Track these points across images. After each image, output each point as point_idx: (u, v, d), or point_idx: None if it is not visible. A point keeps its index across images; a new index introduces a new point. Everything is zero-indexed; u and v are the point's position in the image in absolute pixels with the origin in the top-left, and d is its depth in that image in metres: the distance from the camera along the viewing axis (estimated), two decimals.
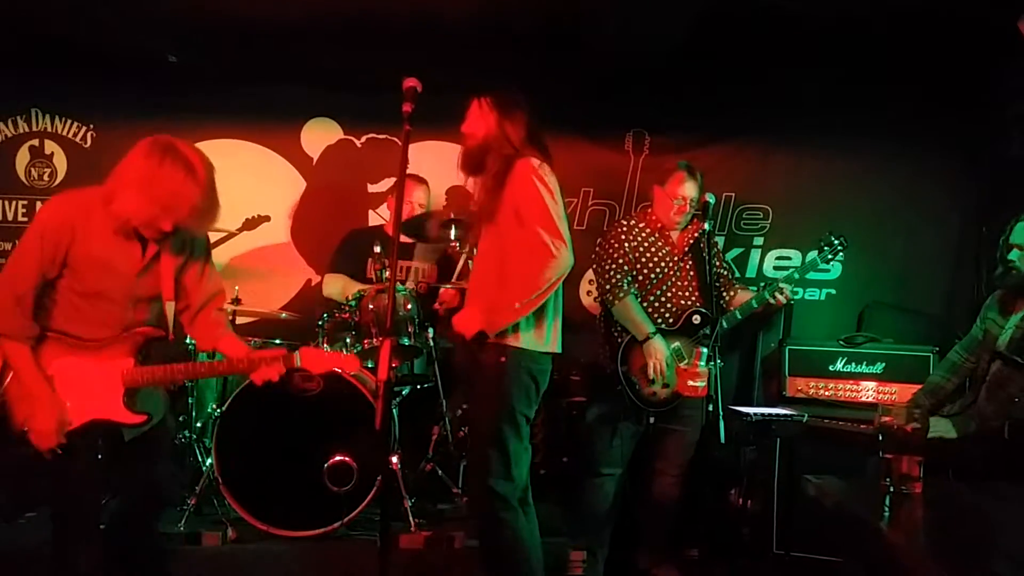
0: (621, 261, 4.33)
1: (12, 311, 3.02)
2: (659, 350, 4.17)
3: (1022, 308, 4.04)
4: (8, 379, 3.11)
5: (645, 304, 4.30)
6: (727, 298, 4.46)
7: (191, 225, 3.10)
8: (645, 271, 4.34)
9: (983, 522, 2.45)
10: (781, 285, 4.30)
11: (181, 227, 3.06)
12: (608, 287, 4.33)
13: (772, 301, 4.33)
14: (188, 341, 4.83)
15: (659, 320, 4.27)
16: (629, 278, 4.31)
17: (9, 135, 5.80)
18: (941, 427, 3.82)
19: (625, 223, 4.45)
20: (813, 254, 4.48)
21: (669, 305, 4.32)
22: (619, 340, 4.29)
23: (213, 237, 5.72)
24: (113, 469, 3.27)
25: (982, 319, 4.21)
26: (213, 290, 3.40)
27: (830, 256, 4.43)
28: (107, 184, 3.02)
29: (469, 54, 4.86)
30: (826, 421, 4.37)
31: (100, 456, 3.16)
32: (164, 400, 3.43)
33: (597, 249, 4.46)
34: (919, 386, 4.34)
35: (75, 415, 3.09)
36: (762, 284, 4.83)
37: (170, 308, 3.23)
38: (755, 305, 4.32)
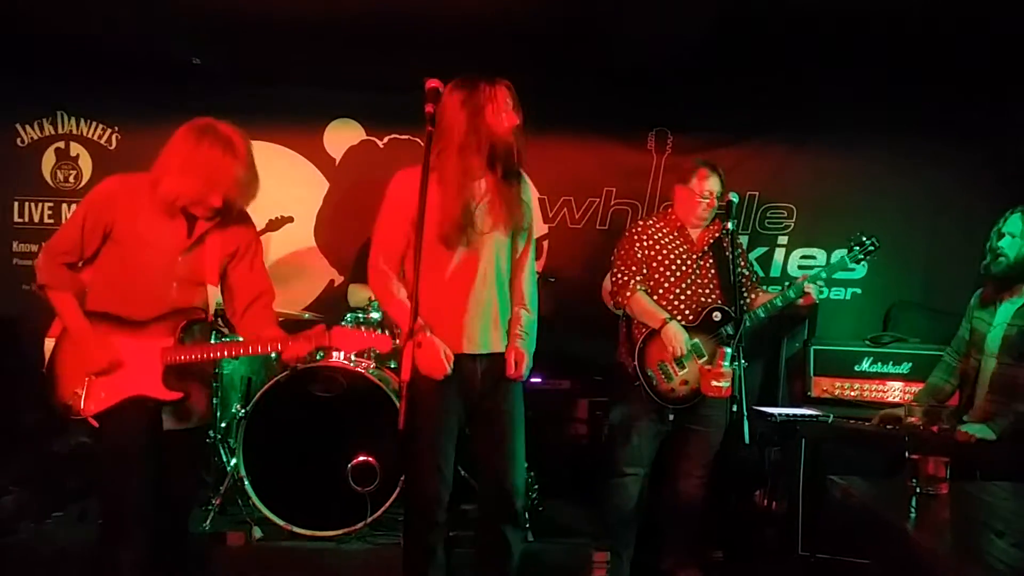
0: (629, 262, 4.31)
1: (53, 265, 3.22)
2: (677, 334, 4.14)
3: (1006, 299, 4.03)
4: (59, 353, 3.26)
5: (664, 303, 4.28)
6: (750, 299, 4.43)
7: (237, 198, 3.24)
8: (661, 268, 4.31)
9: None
10: (807, 284, 4.24)
11: (230, 202, 3.20)
12: (616, 288, 4.33)
13: (800, 300, 4.28)
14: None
15: (678, 317, 4.24)
16: (639, 277, 4.29)
17: (35, 137, 5.85)
18: (979, 430, 3.79)
19: (641, 223, 4.43)
20: (842, 253, 4.42)
21: (689, 302, 4.29)
22: (638, 336, 4.27)
23: None
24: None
25: (968, 318, 4.22)
26: (260, 288, 3.45)
27: (860, 256, 4.36)
28: (153, 170, 3.18)
29: (491, 53, 4.84)
30: (852, 422, 4.34)
31: (146, 449, 3.19)
32: (208, 407, 3.49)
33: (614, 250, 4.45)
34: None
35: (115, 391, 3.18)
36: (786, 284, 4.81)
37: (212, 292, 3.33)
38: (779, 304, 4.28)
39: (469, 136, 3.23)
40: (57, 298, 3.23)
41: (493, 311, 3.40)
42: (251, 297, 3.41)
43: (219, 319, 4.33)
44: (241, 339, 3.42)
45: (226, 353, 3.38)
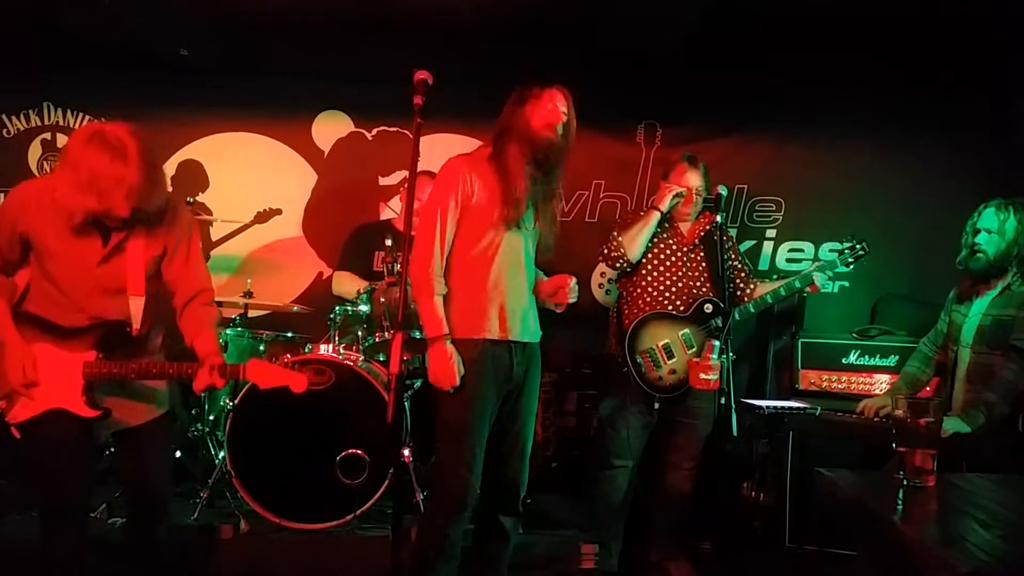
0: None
1: None
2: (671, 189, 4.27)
3: (984, 293, 4.06)
4: None
5: (656, 294, 4.28)
6: (747, 291, 4.43)
7: (143, 204, 3.04)
8: (652, 260, 4.32)
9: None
10: (815, 273, 4.27)
11: (137, 209, 3.02)
12: (612, 244, 4.35)
13: (807, 289, 4.31)
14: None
15: (671, 308, 4.25)
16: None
17: (21, 128, 5.82)
18: (953, 424, 3.81)
19: (631, 215, 4.45)
20: (834, 256, 4.43)
21: (680, 294, 4.30)
22: (627, 324, 4.27)
23: (225, 229, 5.85)
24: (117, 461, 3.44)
25: (946, 311, 4.26)
26: (198, 285, 3.34)
27: (851, 260, 4.39)
28: (52, 178, 3.06)
29: (480, 46, 4.85)
30: (839, 414, 4.36)
31: (78, 445, 3.19)
32: (170, 395, 3.42)
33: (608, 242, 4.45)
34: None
35: (38, 402, 3.13)
36: (776, 277, 4.81)
37: (135, 303, 3.19)
38: (783, 293, 4.30)
39: (516, 129, 3.39)
40: None
41: (529, 298, 3.51)
42: (189, 294, 3.31)
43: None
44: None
45: (141, 374, 3.21)
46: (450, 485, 3.36)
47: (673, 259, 4.32)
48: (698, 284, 4.33)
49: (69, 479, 3.18)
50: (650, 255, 4.33)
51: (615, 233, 4.36)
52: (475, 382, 3.33)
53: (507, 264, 3.42)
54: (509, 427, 3.48)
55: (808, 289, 4.31)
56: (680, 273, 4.31)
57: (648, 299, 4.29)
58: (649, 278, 4.32)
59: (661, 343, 4.21)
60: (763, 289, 4.39)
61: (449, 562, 3.39)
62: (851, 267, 4.43)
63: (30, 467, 3.30)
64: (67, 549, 3.17)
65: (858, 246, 4.39)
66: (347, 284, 5.06)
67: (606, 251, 4.36)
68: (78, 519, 3.23)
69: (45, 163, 5.81)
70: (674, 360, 4.19)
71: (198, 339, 3.26)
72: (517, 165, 3.38)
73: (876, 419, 4.19)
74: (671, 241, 4.35)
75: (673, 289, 4.29)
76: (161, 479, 3.41)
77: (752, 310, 4.33)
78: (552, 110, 3.43)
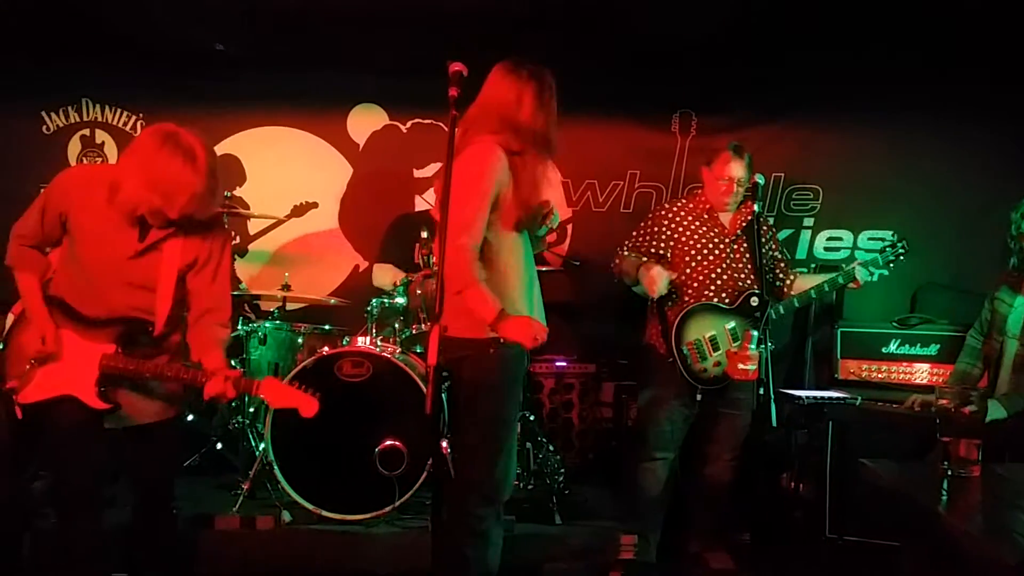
0: (639, 233, 4.38)
1: (16, 246, 3.25)
2: (660, 273, 4.10)
3: None
4: (13, 335, 3.29)
5: (700, 287, 4.23)
6: (787, 282, 4.39)
7: (195, 211, 3.09)
8: (692, 252, 4.28)
9: None
10: (858, 270, 4.21)
11: (186, 214, 3.07)
12: (617, 260, 4.36)
13: (850, 284, 4.25)
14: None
15: (716, 300, 4.21)
16: (637, 252, 4.31)
17: (61, 125, 5.88)
18: (992, 410, 3.77)
19: (667, 206, 4.41)
20: (875, 255, 4.36)
21: (725, 287, 4.26)
22: (671, 317, 4.24)
23: (261, 224, 5.88)
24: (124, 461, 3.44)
25: (990, 300, 4.21)
26: (217, 302, 3.35)
27: (891, 259, 4.31)
28: (115, 170, 3.12)
29: (514, 36, 4.84)
30: (879, 404, 4.32)
31: (92, 435, 3.23)
32: (184, 397, 3.44)
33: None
34: None
35: (50, 385, 3.19)
36: (814, 266, 4.77)
37: (162, 304, 3.24)
38: (827, 288, 4.25)
39: (551, 128, 3.27)
40: (20, 279, 3.25)
41: (543, 296, 3.41)
42: (203, 310, 3.31)
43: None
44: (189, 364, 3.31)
45: (156, 375, 3.23)
46: (493, 477, 3.26)
47: (716, 251, 4.28)
48: (742, 276, 4.28)
49: (81, 465, 3.22)
50: (689, 247, 4.29)
51: (625, 252, 4.36)
52: (516, 379, 3.30)
53: (528, 260, 3.34)
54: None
55: (851, 285, 4.26)
56: (724, 265, 4.27)
57: (691, 291, 4.24)
58: (691, 271, 4.28)
59: (708, 335, 4.17)
60: (806, 283, 4.33)
61: (492, 549, 3.28)
62: (891, 266, 4.33)
63: (46, 453, 3.38)
64: (82, 535, 3.23)
65: (899, 244, 4.30)
66: (384, 276, 5.08)
67: (617, 260, 4.40)
68: (93, 506, 3.26)
69: (84, 159, 5.87)
70: (719, 352, 4.16)
71: (207, 355, 3.25)
72: (540, 173, 3.26)
73: (917, 409, 4.15)
74: (712, 233, 4.31)
75: (718, 282, 4.25)
76: (163, 476, 3.50)
77: (796, 304, 4.28)
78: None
